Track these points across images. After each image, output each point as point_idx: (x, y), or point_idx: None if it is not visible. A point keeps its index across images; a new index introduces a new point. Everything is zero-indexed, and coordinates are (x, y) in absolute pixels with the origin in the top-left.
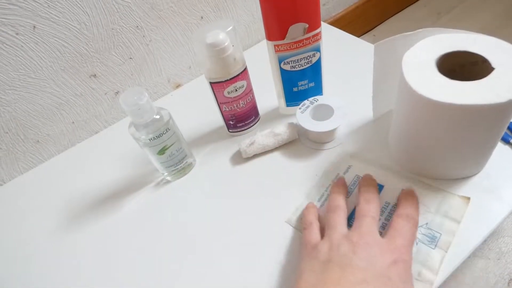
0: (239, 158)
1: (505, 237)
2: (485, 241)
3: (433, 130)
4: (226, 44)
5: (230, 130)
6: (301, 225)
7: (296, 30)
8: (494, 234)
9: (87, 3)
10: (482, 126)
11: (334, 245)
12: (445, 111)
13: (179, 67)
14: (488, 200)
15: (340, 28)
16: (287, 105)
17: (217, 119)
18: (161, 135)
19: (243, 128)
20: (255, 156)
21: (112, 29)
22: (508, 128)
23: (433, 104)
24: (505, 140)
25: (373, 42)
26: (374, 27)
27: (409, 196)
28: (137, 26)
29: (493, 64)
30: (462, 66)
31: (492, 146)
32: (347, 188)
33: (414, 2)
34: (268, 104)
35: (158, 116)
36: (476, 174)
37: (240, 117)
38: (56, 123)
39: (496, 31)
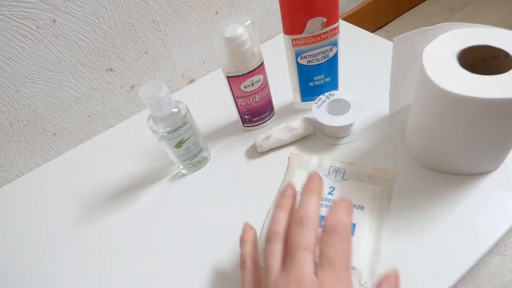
0: (254, 152)
1: None
2: (501, 238)
3: (453, 124)
4: (244, 38)
5: (245, 125)
6: None
7: (314, 24)
8: (510, 231)
9: None
10: (504, 120)
11: None
12: (466, 104)
13: (193, 62)
14: (506, 196)
15: (353, 24)
16: (302, 100)
17: (231, 114)
18: (178, 128)
19: (258, 123)
20: (270, 150)
21: (129, 23)
22: None
23: (454, 97)
24: None
25: (386, 38)
26: (387, 23)
27: (337, 203)
28: (153, 21)
29: None
30: (483, 61)
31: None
32: (295, 200)
33: None
34: (283, 99)
35: (176, 110)
36: (494, 169)
37: (256, 111)
38: (73, 116)
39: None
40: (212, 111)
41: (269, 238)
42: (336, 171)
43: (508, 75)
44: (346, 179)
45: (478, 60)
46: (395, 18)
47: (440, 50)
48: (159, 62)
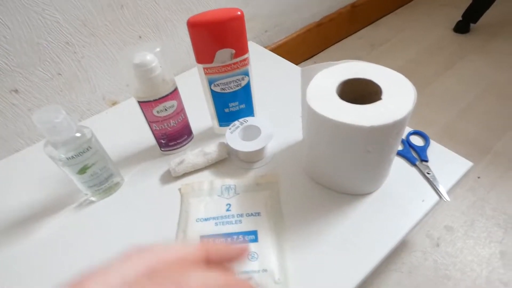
0: (169, 177)
1: (416, 252)
2: (399, 255)
3: (331, 148)
4: (153, 64)
5: (163, 149)
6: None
7: (223, 55)
8: (407, 248)
9: (8, 16)
10: (371, 148)
11: None
12: (337, 129)
13: (115, 84)
14: (393, 215)
15: (283, 54)
16: (220, 125)
17: (151, 138)
18: (81, 153)
19: (175, 147)
20: (185, 175)
21: (38, 43)
22: (415, 150)
23: (327, 121)
24: (412, 162)
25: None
26: (315, 55)
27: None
28: (67, 42)
29: (383, 92)
30: (363, 96)
31: (382, 165)
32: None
33: (351, 34)
34: (204, 124)
35: (78, 134)
36: (375, 191)
37: (172, 136)
38: None
39: (421, 63)
40: (132, 134)
41: None
42: (228, 188)
43: (374, 106)
44: (238, 193)
45: (359, 95)
46: (322, 50)
47: (322, 82)
48: (75, 84)
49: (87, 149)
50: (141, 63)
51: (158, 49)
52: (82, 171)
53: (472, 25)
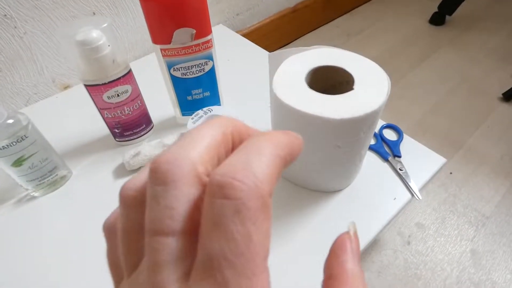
0: (124, 170)
1: (387, 250)
2: (369, 254)
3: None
4: (100, 42)
5: (117, 139)
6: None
7: (182, 35)
8: (377, 247)
9: None
10: (340, 142)
11: None
12: (306, 120)
13: (67, 66)
14: (353, 211)
15: (256, 40)
16: (183, 114)
17: (106, 126)
18: (14, 143)
19: (132, 137)
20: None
21: None
22: (388, 145)
23: (297, 113)
24: (384, 157)
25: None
26: (290, 42)
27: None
28: (5, 15)
29: (355, 82)
30: (333, 86)
31: (353, 161)
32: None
33: (328, 23)
34: (168, 112)
35: (11, 121)
36: (345, 188)
37: (127, 125)
38: None
39: (397, 55)
40: (85, 122)
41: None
42: None
43: (345, 97)
44: None
45: (329, 84)
46: (297, 38)
47: (290, 68)
48: (18, 63)
49: (22, 138)
50: (85, 41)
51: (105, 25)
52: (18, 163)
53: (447, 17)
